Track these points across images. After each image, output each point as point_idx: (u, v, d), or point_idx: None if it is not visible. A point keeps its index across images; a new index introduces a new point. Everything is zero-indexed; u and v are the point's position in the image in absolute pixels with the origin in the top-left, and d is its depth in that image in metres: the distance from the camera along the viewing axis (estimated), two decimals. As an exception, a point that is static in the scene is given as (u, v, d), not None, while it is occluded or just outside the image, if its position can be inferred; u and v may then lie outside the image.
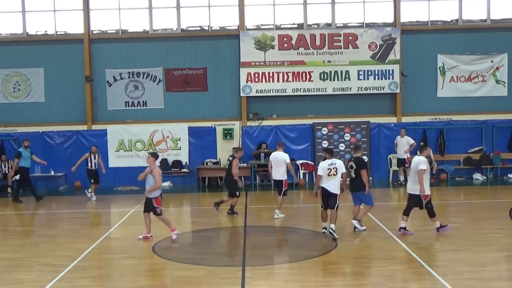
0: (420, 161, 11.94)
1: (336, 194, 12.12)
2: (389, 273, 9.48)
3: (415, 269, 9.62)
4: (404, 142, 20.27)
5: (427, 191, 11.91)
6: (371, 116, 22.09)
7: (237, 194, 14.94)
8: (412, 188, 12.10)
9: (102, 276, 9.77)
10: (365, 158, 20.86)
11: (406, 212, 12.23)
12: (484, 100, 22.30)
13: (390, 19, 22.30)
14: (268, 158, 15.04)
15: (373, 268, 9.79)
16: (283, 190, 14.41)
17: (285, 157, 14.47)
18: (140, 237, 12.10)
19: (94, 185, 18.61)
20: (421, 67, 22.28)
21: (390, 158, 21.61)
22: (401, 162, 20.41)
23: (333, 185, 12.10)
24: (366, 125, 21.81)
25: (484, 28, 22.30)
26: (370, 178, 17.58)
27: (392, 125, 21.87)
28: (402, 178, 20.46)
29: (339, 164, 12.26)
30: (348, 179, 12.64)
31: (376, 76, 22.02)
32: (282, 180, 14.40)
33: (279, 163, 14.42)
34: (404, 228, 12.13)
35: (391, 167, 21.59)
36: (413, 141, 20.35)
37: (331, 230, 11.88)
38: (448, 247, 11.19)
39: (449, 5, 22.40)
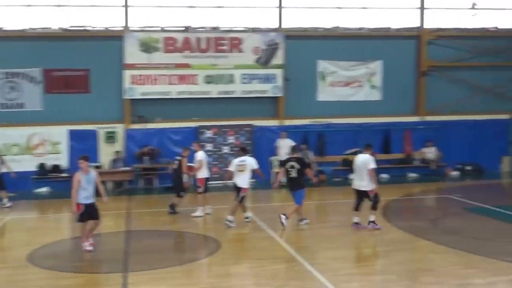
0: (368, 160, 12.66)
1: (242, 188, 13.46)
2: (272, 273, 9.73)
3: (296, 267, 9.94)
4: (285, 145, 20.83)
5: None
6: (254, 119, 22.43)
7: (181, 195, 15.34)
8: (359, 184, 12.80)
9: (-28, 289, 9.19)
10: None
11: (357, 208, 12.94)
12: (360, 104, 23.37)
13: (275, 25, 22.85)
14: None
15: (256, 268, 9.98)
16: None
17: None
18: None
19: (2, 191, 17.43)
20: (303, 72, 22.90)
21: (271, 160, 22.00)
22: (283, 164, 20.90)
23: (240, 180, 13.49)
24: (250, 128, 22.19)
25: (361, 36, 23.46)
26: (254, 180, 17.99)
27: (275, 128, 22.39)
28: (284, 179, 20.93)
29: (249, 161, 13.67)
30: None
31: (260, 80, 22.45)
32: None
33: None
34: (358, 223, 12.79)
35: (272, 169, 22.06)
36: (294, 143, 20.96)
37: (227, 222, 13.18)
38: (327, 245, 11.66)
39: (330, 13, 23.27)
